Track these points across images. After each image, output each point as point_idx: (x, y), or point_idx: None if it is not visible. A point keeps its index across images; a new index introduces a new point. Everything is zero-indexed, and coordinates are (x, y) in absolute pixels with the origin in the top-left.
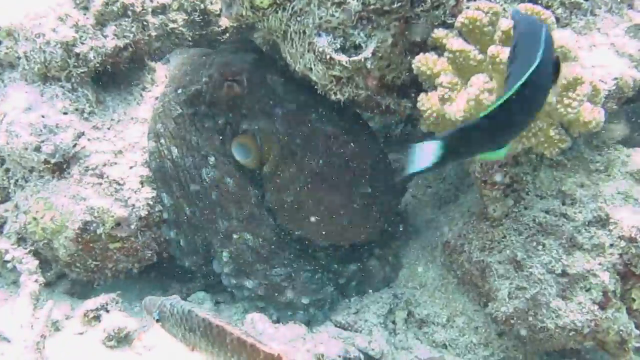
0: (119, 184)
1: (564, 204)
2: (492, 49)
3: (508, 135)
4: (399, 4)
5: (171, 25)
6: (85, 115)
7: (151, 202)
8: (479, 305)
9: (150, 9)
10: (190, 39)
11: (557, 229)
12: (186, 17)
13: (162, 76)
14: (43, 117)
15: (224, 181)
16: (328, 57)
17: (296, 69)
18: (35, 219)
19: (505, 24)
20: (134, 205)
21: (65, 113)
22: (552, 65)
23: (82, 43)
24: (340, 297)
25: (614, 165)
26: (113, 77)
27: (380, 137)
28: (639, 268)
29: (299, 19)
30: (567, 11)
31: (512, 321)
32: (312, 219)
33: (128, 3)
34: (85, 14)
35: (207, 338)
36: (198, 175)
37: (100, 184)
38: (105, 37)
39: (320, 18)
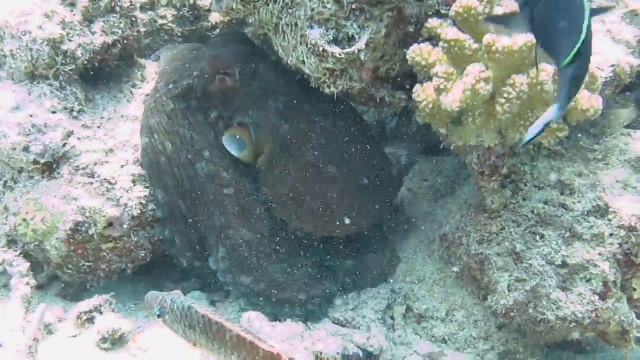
0: (111, 184)
1: (562, 194)
2: (487, 38)
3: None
4: None
5: (160, 21)
6: (75, 114)
7: (144, 201)
8: (479, 298)
9: (138, 5)
10: (180, 35)
11: (556, 220)
12: (175, 13)
13: (152, 73)
14: (31, 116)
15: (219, 175)
16: (321, 49)
17: (289, 62)
18: (25, 220)
19: (501, 12)
20: (126, 204)
21: (54, 112)
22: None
23: (70, 40)
24: (338, 293)
25: (613, 154)
26: (102, 75)
27: (375, 130)
28: None
29: (290, 11)
30: None
31: (512, 314)
32: (308, 211)
33: None
34: (72, 11)
35: (207, 335)
36: (193, 170)
37: (92, 183)
38: (93, 33)
39: (313, 10)
